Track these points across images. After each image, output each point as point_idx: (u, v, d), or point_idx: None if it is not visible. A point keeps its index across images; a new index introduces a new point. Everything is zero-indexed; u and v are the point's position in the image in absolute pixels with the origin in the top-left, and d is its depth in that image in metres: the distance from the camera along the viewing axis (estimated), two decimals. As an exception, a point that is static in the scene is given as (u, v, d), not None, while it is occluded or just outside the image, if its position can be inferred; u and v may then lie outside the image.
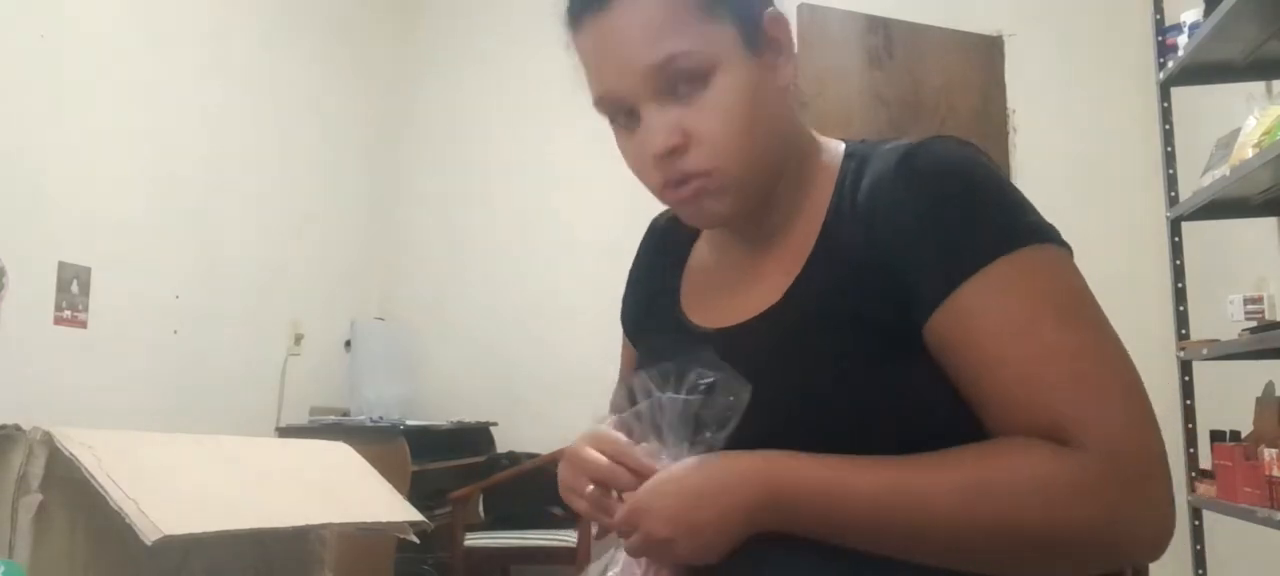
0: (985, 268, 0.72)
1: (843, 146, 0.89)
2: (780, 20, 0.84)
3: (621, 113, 0.82)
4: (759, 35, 0.81)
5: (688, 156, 0.79)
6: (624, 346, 1.08)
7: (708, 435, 0.76)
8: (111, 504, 0.71)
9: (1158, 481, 0.69)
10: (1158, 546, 0.69)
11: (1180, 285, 2.82)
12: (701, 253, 0.97)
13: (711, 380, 0.76)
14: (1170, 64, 2.74)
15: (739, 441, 0.77)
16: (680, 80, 0.78)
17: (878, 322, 0.75)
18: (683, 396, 0.76)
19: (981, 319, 0.72)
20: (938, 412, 0.74)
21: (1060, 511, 0.67)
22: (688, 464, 0.75)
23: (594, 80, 0.82)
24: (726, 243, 0.93)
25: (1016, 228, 0.74)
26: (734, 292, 0.87)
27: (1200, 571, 2.73)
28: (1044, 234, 0.74)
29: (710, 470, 0.74)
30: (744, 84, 0.79)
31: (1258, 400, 2.36)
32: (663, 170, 0.80)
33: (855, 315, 0.76)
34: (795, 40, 0.86)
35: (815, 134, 0.90)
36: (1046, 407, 0.69)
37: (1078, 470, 0.67)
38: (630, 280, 1.06)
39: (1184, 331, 2.79)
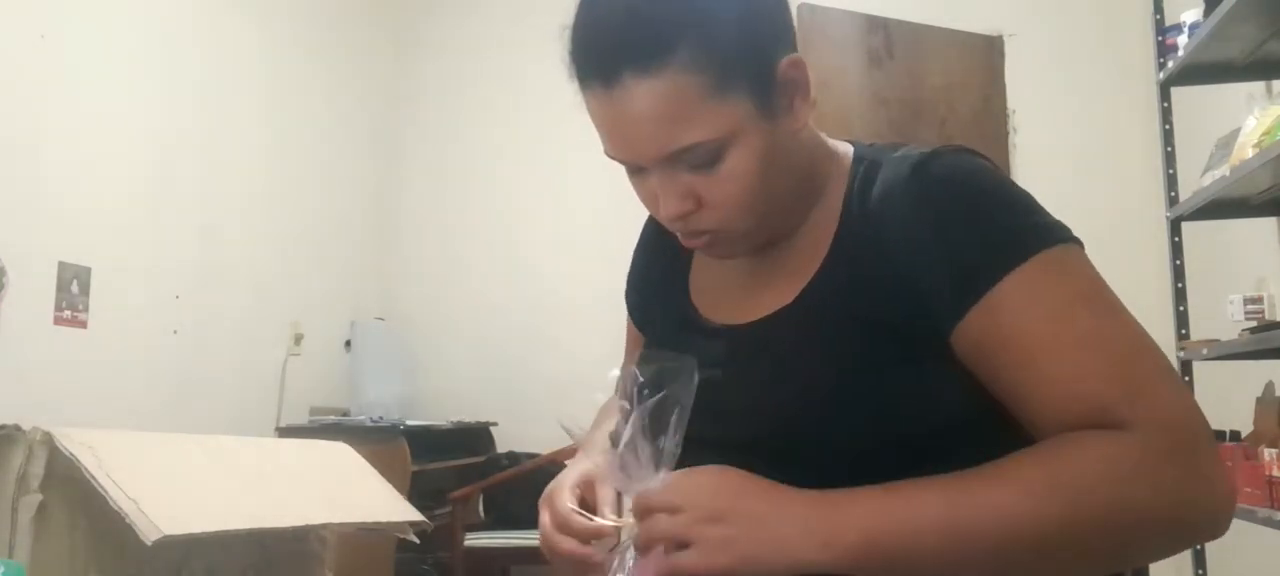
0: (1015, 270, 0.72)
1: (851, 150, 0.89)
2: (798, 64, 0.80)
3: (631, 167, 0.81)
4: (774, 94, 0.78)
5: (700, 216, 0.80)
6: (628, 328, 1.07)
7: (665, 442, 0.74)
8: (111, 504, 0.71)
9: (1212, 454, 0.69)
10: (1220, 518, 0.69)
11: (1180, 285, 2.81)
12: None
13: (654, 392, 0.74)
14: (1170, 64, 2.74)
15: (751, 439, 0.78)
16: (694, 160, 0.77)
17: (889, 326, 0.76)
18: (628, 431, 0.74)
19: (1016, 316, 0.72)
20: (945, 415, 0.75)
21: (1128, 491, 0.66)
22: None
23: (605, 143, 0.81)
24: None
25: (1036, 230, 0.75)
26: (746, 291, 0.87)
27: (1200, 571, 2.73)
28: (1061, 233, 0.76)
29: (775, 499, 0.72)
30: (758, 153, 0.77)
31: (1258, 400, 2.36)
32: (674, 226, 0.82)
33: (867, 318, 0.77)
34: (808, 70, 0.82)
35: (825, 138, 0.89)
36: (1093, 393, 0.69)
37: (1138, 449, 0.67)
38: (635, 262, 1.05)
39: (1184, 331, 2.79)
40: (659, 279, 0.99)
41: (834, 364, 0.77)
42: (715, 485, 0.72)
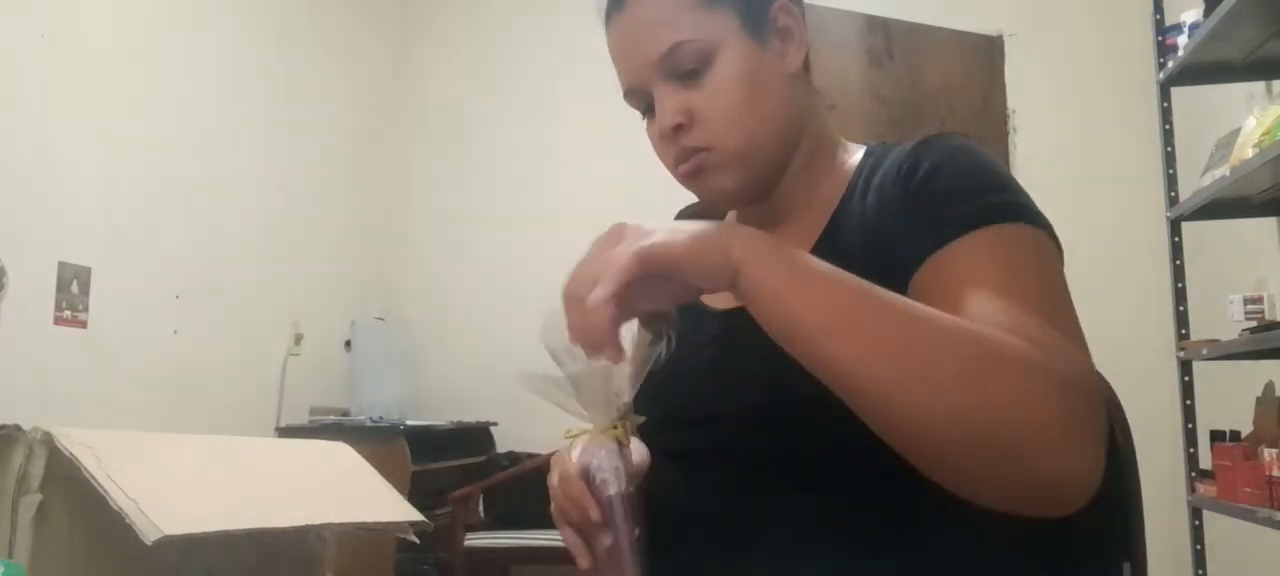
0: (976, 231, 0.73)
1: (864, 149, 0.93)
2: (789, 9, 0.89)
3: (643, 103, 0.89)
4: (764, 22, 0.87)
5: (691, 133, 0.85)
6: None
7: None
8: (111, 504, 0.71)
9: (1100, 433, 0.64)
10: (1077, 480, 0.62)
11: (1180, 285, 2.82)
12: None
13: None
14: (1170, 64, 2.74)
15: (739, 414, 0.81)
16: (685, 64, 0.84)
17: None
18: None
19: (965, 270, 0.72)
20: None
21: (1029, 380, 0.61)
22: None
23: (620, 76, 0.90)
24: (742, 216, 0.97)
25: (1005, 206, 0.75)
26: None
27: (1200, 571, 2.73)
28: (1036, 218, 0.75)
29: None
30: (743, 65, 0.85)
31: (1258, 400, 2.36)
32: (673, 149, 0.87)
33: None
34: (805, 27, 0.90)
35: (840, 137, 0.94)
36: (1020, 329, 0.64)
37: (1066, 371, 0.63)
38: None
39: (1184, 331, 2.79)
40: None
41: None
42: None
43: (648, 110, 0.89)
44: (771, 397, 0.77)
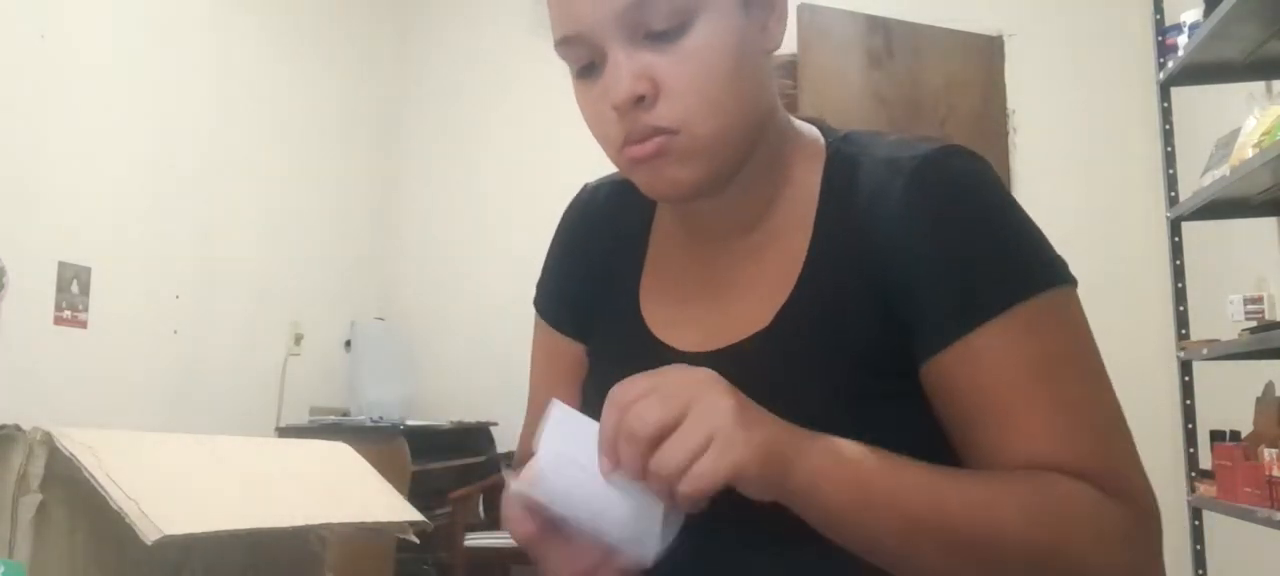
0: (1008, 310, 0.67)
1: (818, 133, 0.80)
2: None
3: (585, 57, 0.71)
4: None
5: (655, 108, 0.68)
6: (546, 341, 0.92)
7: None
8: (111, 504, 0.71)
9: (1160, 542, 0.68)
10: None
11: (1180, 285, 2.81)
12: (664, 244, 0.84)
13: None
14: (1170, 64, 2.74)
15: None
16: (657, 21, 0.68)
17: (874, 358, 0.70)
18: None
19: (998, 366, 0.67)
20: (930, 447, 0.69)
21: (1106, 551, 0.64)
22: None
23: (559, 16, 0.71)
24: (695, 234, 0.81)
25: (1035, 269, 0.69)
26: (714, 304, 0.78)
27: (1200, 571, 2.73)
28: (1059, 274, 0.69)
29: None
30: (729, 34, 0.69)
31: (1258, 400, 2.36)
32: (625, 122, 0.69)
33: (852, 349, 0.70)
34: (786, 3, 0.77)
35: (792, 118, 0.80)
36: (1075, 459, 0.65)
37: (1125, 518, 0.65)
38: (557, 261, 0.91)
39: (1184, 331, 2.79)
40: (598, 283, 0.86)
41: (816, 398, 0.69)
42: (706, 375, 0.61)
43: (587, 68, 0.72)
44: None
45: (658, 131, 0.69)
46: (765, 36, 0.73)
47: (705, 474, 0.58)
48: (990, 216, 0.70)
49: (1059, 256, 0.71)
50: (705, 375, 0.61)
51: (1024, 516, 0.63)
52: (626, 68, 0.68)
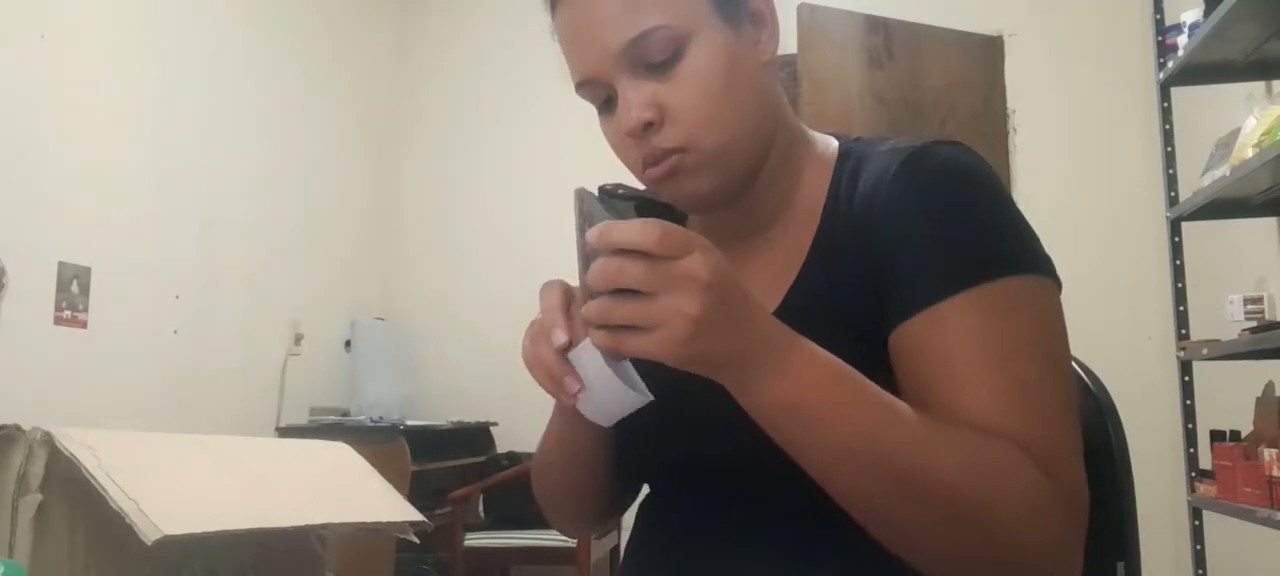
0: (971, 288, 0.70)
1: (836, 142, 0.86)
2: None
3: (602, 96, 0.80)
4: (738, 6, 0.79)
5: (663, 132, 0.76)
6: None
7: None
8: (111, 504, 0.71)
9: (1082, 542, 0.69)
10: None
11: (1180, 285, 2.81)
12: None
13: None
14: (1170, 64, 2.74)
15: (726, 454, 0.75)
16: (654, 54, 0.75)
17: (873, 335, 0.74)
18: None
19: (959, 336, 0.70)
20: None
21: (1034, 521, 0.66)
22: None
23: (573, 65, 0.80)
24: (715, 235, 0.83)
25: (1008, 255, 0.72)
26: None
27: (1200, 571, 2.73)
28: (1036, 264, 0.73)
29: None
30: (718, 54, 0.76)
31: (1258, 400, 2.36)
32: (640, 148, 0.78)
33: (853, 328, 0.74)
34: (777, 12, 0.83)
35: (807, 128, 0.87)
36: (1019, 432, 0.67)
37: (1057, 494, 0.67)
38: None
39: (1184, 331, 2.79)
40: None
41: None
42: (706, 257, 0.62)
43: (606, 104, 0.80)
44: (760, 437, 0.71)
45: (668, 152, 0.77)
46: (758, 50, 0.80)
47: (636, 346, 0.62)
48: (973, 199, 0.74)
49: (1042, 250, 0.74)
50: (701, 264, 0.61)
51: (960, 466, 0.65)
52: (633, 99, 0.76)
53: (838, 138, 0.87)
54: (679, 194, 0.80)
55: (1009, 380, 0.69)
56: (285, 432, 3.75)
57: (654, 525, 0.87)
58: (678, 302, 0.60)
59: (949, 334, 0.70)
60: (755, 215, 0.84)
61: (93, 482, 0.72)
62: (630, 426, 0.75)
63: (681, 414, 0.76)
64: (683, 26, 0.75)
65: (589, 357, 0.69)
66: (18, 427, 0.75)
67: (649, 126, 0.76)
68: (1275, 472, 2.10)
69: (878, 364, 0.72)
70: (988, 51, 3.69)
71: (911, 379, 0.72)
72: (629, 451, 0.86)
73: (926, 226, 0.73)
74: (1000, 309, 0.70)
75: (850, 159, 0.82)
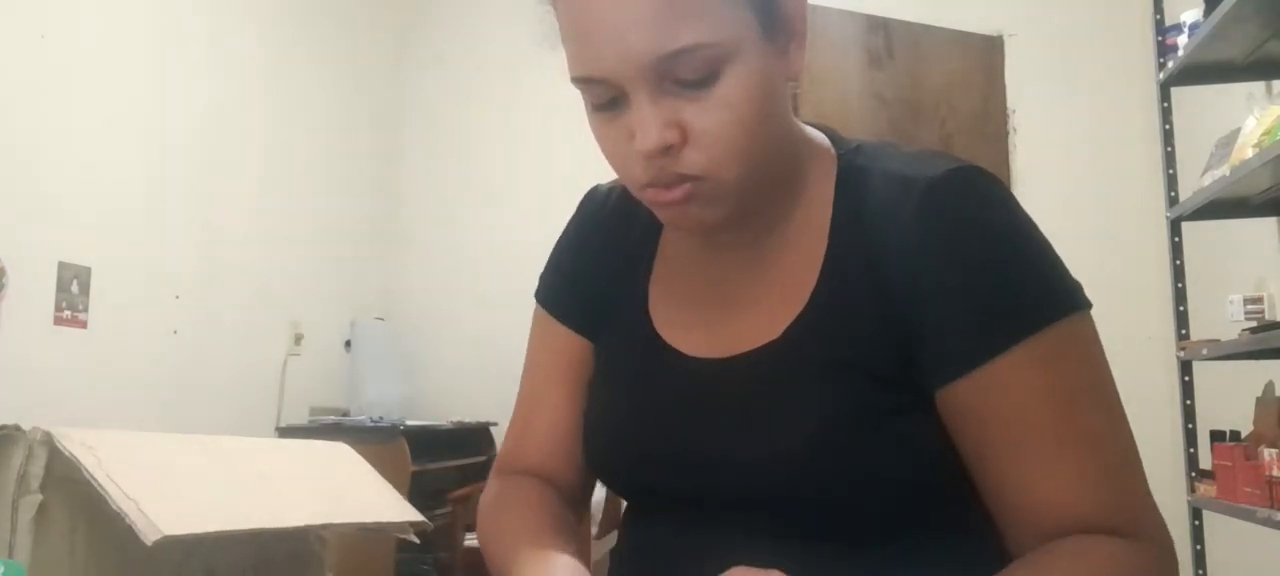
0: (1021, 343, 0.66)
1: (829, 143, 0.80)
2: (800, 2, 0.72)
3: (606, 95, 0.68)
4: (778, 19, 0.69)
5: (683, 157, 0.67)
6: (547, 335, 0.90)
7: None
8: (112, 504, 0.71)
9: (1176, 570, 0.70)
10: None
11: (1180, 285, 2.81)
12: (674, 248, 0.83)
13: None
14: (1170, 64, 2.74)
15: (737, 490, 0.71)
16: (687, 72, 0.65)
17: (885, 375, 0.69)
18: None
19: (1015, 398, 0.67)
20: (942, 465, 0.70)
21: None
22: None
23: (580, 57, 0.68)
24: (706, 242, 0.81)
25: (1051, 297, 0.68)
26: (723, 312, 0.77)
27: (1200, 571, 2.73)
28: (1076, 300, 0.69)
29: None
30: (755, 80, 0.67)
31: (1258, 400, 2.36)
32: (651, 169, 0.68)
33: (862, 366, 0.69)
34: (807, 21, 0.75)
35: (802, 126, 0.79)
36: (1087, 498, 0.66)
37: (1152, 557, 0.67)
38: (567, 256, 0.90)
39: (1184, 331, 2.79)
40: (607, 282, 0.85)
41: (823, 414, 0.69)
42: None
43: (608, 104, 0.69)
44: (755, 477, 0.70)
45: (684, 178, 0.68)
46: (786, 63, 0.71)
47: None
48: (1004, 242, 0.69)
49: (1074, 281, 0.70)
50: None
51: None
52: (654, 117, 0.66)
53: (829, 136, 0.81)
54: (684, 219, 0.72)
55: (1070, 441, 0.66)
56: (285, 433, 3.75)
57: (641, 547, 0.84)
58: None
59: (1002, 397, 0.67)
60: (752, 225, 0.77)
61: (93, 483, 0.71)
62: (633, 453, 0.74)
63: (692, 446, 0.73)
64: (725, 47, 0.65)
65: None
66: (18, 428, 0.75)
67: (669, 149, 0.67)
68: (1275, 473, 2.10)
69: (899, 407, 0.69)
70: (988, 51, 3.69)
71: (968, 443, 0.69)
72: (624, 482, 0.83)
73: (960, 278, 0.68)
74: (1052, 359, 0.67)
75: (853, 171, 0.76)
